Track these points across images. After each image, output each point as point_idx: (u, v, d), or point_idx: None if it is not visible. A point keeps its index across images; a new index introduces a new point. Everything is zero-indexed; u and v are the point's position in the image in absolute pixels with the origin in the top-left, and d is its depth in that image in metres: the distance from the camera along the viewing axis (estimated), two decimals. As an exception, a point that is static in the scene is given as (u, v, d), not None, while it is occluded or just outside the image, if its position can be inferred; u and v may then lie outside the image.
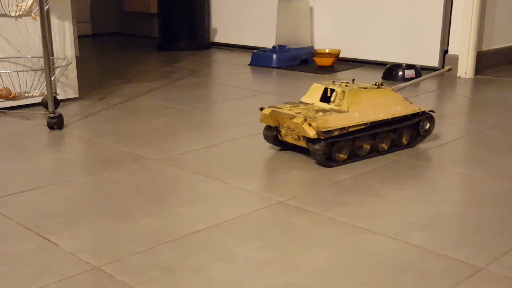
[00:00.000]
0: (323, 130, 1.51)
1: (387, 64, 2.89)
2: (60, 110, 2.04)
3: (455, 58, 2.88)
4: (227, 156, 1.65)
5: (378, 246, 1.12)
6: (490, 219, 1.24)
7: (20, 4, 1.91)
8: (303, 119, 1.52)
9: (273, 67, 3.12)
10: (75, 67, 2.31)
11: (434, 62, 2.94)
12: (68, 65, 2.21)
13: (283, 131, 1.63)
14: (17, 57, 2.15)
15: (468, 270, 1.03)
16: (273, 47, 3.25)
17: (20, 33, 2.14)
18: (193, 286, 0.98)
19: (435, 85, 2.66)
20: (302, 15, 3.27)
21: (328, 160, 1.55)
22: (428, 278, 1.00)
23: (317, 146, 1.52)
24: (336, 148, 1.55)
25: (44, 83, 2.08)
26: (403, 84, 1.84)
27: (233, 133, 1.87)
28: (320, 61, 3.11)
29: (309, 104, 1.67)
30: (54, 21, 2.21)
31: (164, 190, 1.40)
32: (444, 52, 2.94)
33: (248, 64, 3.21)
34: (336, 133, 1.54)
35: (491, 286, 0.98)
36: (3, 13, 1.94)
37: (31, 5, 1.89)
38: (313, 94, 1.68)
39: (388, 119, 1.63)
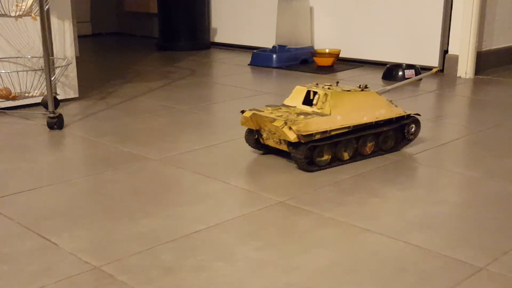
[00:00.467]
0: (304, 133, 1.48)
1: (387, 64, 2.89)
2: (60, 110, 2.04)
3: (455, 58, 2.88)
4: (227, 156, 1.65)
5: (378, 246, 1.12)
6: (490, 219, 1.24)
7: (20, 4, 1.91)
8: (283, 122, 1.49)
9: (273, 67, 3.12)
10: (75, 67, 2.31)
11: (434, 62, 2.94)
12: (68, 65, 2.21)
13: (264, 135, 1.60)
14: (17, 57, 2.15)
15: (468, 270, 1.03)
16: (273, 47, 3.24)
17: (20, 33, 2.14)
18: (193, 286, 0.98)
19: (435, 85, 2.66)
20: (302, 15, 3.27)
21: (309, 164, 1.52)
22: (428, 278, 1.00)
23: (297, 150, 1.50)
24: (318, 152, 1.52)
25: (44, 83, 2.08)
26: (389, 87, 1.80)
27: (233, 133, 1.87)
28: (320, 61, 3.11)
29: (291, 107, 1.64)
30: (54, 21, 2.21)
31: (164, 190, 1.40)
32: (444, 52, 2.94)
33: (248, 64, 3.21)
34: (318, 136, 1.51)
35: (491, 286, 0.98)
36: (3, 13, 1.94)
37: (31, 5, 1.89)
38: (295, 96, 1.65)
39: (372, 122, 1.60)
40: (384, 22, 3.09)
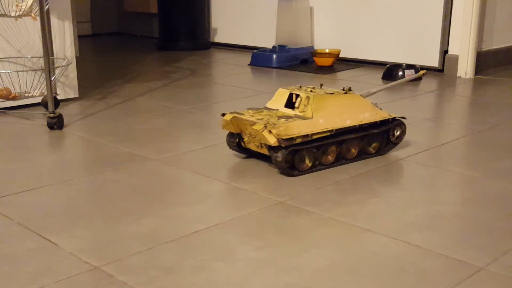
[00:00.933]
0: (284, 137, 1.44)
1: (387, 64, 2.89)
2: (60, 110, 2.04)
3: (455, 58, 2.88)
4: (227, 156, 1.65)
5: (378, 246, 1.12)
6: (490, 219, 1.24)
7: (20, 4, 1.91)
8: (263, 126, 1.45)
9: (273, 67, 3.12)
10: (75, 67, 2.31)
11: (434, 62, 2.94)
12: (68, 65, 2.21)
13: (245, 138, 1.56)
14: (17, 57, 2.15)
15: (468, 270, 1.03)
16: (273, 47, 3.25)
17: (20, 33, 2.14)
18: (193, 286, 0.98)
19: (435, 85, 2.66)
20: (302, 15, 3.27)
21: (290, 168, 1.48)
22: (428, 278, 1.00)
23: (278, 154, 1.46)
24: (299, 156, 1.49)
25: (44, 83, 2.08)
26: (374, 90, 1.76)
27: (233, 133, 1.87)
28: (320, 61, 3.11)
29: (273, 110, 1.60)
30: (54, 21, 2.21)
31: (164, 190, 1.40)
32: (444, 52, 2.94)
33: (248, 64, 3.21)
34: (299, 140, 1.47)
35: (491, 286, 0.98)
36: (3, 13, 1.94)
37: (31, 5, 1.89)
38: (278, 99, 1.62)
39: (355, 126, 1.57)
40: (384, 22, 3.09)
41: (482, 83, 2.71)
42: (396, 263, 1.06)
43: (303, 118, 1.51)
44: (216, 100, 2.36)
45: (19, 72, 2.10)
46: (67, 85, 2.30)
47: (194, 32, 3.78)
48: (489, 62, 3.03)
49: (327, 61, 3.10)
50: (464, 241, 1.14)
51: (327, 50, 3.20)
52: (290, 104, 1.59)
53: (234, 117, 1.54)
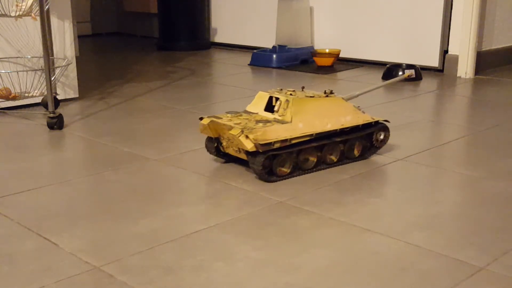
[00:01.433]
0: (261, 142, 1.40)
1: (387, 64, 2.89)
2: (60, 110, 2.04)
3: (455, 58, 2.88)
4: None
5: (378, 246, 1.12)
6: (490, 219, 1.24)
7: (20, 4, 1.91)
8: (240, 130, 1.41)
9: (273, 67, 3.12)
10: (75, 67, 2.31)
11: (434, 62, 2.94)
12: (68, 65, 2.21)
13: (224, 143, 1.52)
14: (17, 57, 2.15)
15: (468, 270, 1.03)
16: (273, 47, 3.25)
17: (20, 33, 2.14)
18: (193, 286, 0.98)
19: (435, 85, 2.66)
20: (302, 15, 3.27)
21: (269, 174, 1.45)
22: (428, 278, 1.00)
23: (255, 160, 1.42)
24: (278, 162, 1.45)
25: (44, 83, 2.08)
26: (357, 92, 1.72)
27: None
28: (320, 61, 3.11)
29: (253, 113, 1.56)
30: (54, 21, 2.21)
31: (164, 190, 1.40)
32: (444, 52, 2.94)
33: (248, 64, 3.21)
34: (277, 145, 1.43)
35: (491, 286, 0.98)
36: (3, 13, 1.94)
37: (31, 5, 1.89)
38: (258, 103, 1.57)
39: (336, 130, 1.53)
40: (384, 22, 3.09)
41: (482, 83, 2.71)
42: (396, 263, 1.06)
43: (282, 122, 1.47)
44: (216, 100, 2.36)
45: (19, 72, 2.09)
46: (67, 85, 2.30)
47: (194, 32, 3.78)
48: (489, 62, 3.03)
49: (327, 61, 3.10)
50: (464, 241, 1.14)
51: (327, 50, 3.20)
52: (270, 107, 1.55)
53: (211, 121, 1.50)
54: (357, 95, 1.72)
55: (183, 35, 3.76)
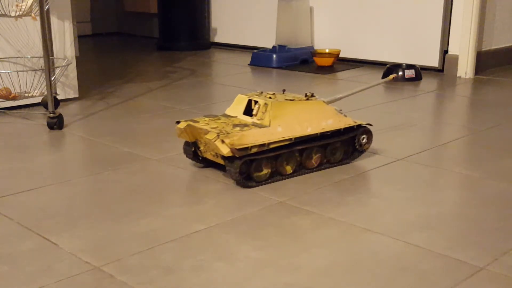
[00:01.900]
0: (238, 147, 1.36)
1: (387, 64, 2.89)
2: (60, 110, 2.04)
3: (455, 58, 2.88)
4: (227, 156, 1.65)
5: (378, 246, 1.12)
6: (490, 219, 1.24)
7: (20, 4, 1.91)
8: (216, 135, 1.37)
9: (273, 67, 3.12)
10: (75, 67, 2.31)
11: (434, 62, 2.94)
12: (68, 65, 2.21)
13: (202, 147, 1.49)
14: (17, 57, 2.15)
15: (468, 270, 1.03)
16: (273, 47, 3.25)
17: (20, 33, 2.14)
18: (193, 286, 0.98)
19: (435, 85, 2.66)
20: (302, 15, 3.27)
21: (247, 179, 1.41)
22: (428, 278, 1.00)
23: (232, 165, 1.38)
24: (256, 167, 1.41)
25: (44, 83, 2.08)
26: (340, 95, 1.68)
27: (233, 133, 1.86)
28: (320, 61, 3.11)
29: (232, 117, 1.52)
30: (54, 21, 2.21)
31: (164, 190, 1.40)
32: (444, 52, 2.94)
33: (248, 64, 3.21)
34: (254, 150, 1.39)
35: (491, 286, 0.98)
36: (3, 13, 1.94)
37: (31, 5, 1.89)
38: (237, 106, 1.53)
39: (317, 134, 1.50)
40: (384, 22, 3.09)
41: (482, 83, 2.71)
42: (396, 263, 1.06)
43: (261, 126, 1.43)
44: (216, 100, 2.36)
45: (19, 72, 2.10)
46: (67, 85, 2.30)
47: (194, 32, 3.78)
48: (489, 62, 3.03)
49: (327, 61, 3.10)
50: (464, 241, 1.14)
51: (327, 50, 3.20)
52: (249, 111, 1.51)
53: (188, 125, 1.47)
54: (340, 98, 1.67)
55: (183, 35, 3.76)
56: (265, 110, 1.45)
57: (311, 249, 1.11)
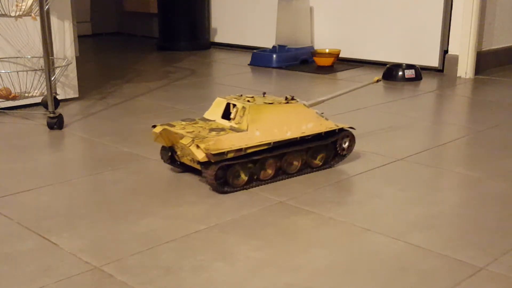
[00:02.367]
0: (214, 152, 1.32)
1: (387, 64, 2.89)
2: (60, 110, 2.04)
3: (455, 58, 2.88)
4: (227, 156, 1.65)
5: (378, 246, 1.12)
6: (490, 219, 1.24)
7: (20, 4, 1.91)
8: (191, 139, 1.34)
9: (273, 67, 3.12)
10: (75, 67, 2.31)
11: (434, 62, 2.94)
12: (68, 65, 2.21)
13: (178, 152, 1.45)
14: (17, 57, 2.15)
15: (468, 270, 1.03)
16: (273, 47, 3.25)
17: (20, 33, 2.14)
18: (193, 286, 0.98)
19: (435, 85, 2.66)
20: (302, 15, 3.27)
21: (224, 185, 1.38)
22: (428, 278, 1.00)
23: (207, 170, 1.35)
24: (232, 172, 1.38)
25: (44, 83, 2.08)
26: (324, 98, 1.65)
27: (233, 133, 1.86)
28: (320, 61, 3.11)
29: (210, 121, 1.49)
30: (54, 21, 2.21)
31: (164, 190, 1.40)
32: (444, 52, 2.94)
33: (248, 64, 3.21)
34: (231, 155, 1.35)
35: (491, 286, 0.98)
36: (3, 13, 1.94)
37: (31, 5, 1.89)
38: (215, 109, 1.50)
39: (296, 138, 1.45)
40: (384, 22, 3.09)
41: (482, 83, 2.71)
42: (396, 263, 1.06)
43: (238, 130, 1.39)
44: (216, 100, 2.36)
45: (19, 72, 2.09)
46: (67, 85, 2.30)
47: (194, 32, 3.78)
48: (489, 62, 3.03)
49: (327, 61, 3.10)
50: (464, 241, 1.14)
51: (327, 50, 3.20)
52: (227, 114, 1.47)
53: (164, 129, 1.43)
54: (323, 101, 1.65)
55: (183, 35, 3.76)
56: (243, 114, 1.41)
57: (311, 249, 1.11)
